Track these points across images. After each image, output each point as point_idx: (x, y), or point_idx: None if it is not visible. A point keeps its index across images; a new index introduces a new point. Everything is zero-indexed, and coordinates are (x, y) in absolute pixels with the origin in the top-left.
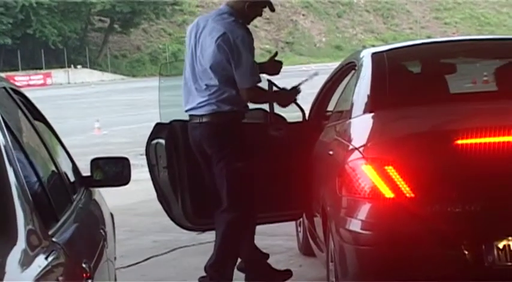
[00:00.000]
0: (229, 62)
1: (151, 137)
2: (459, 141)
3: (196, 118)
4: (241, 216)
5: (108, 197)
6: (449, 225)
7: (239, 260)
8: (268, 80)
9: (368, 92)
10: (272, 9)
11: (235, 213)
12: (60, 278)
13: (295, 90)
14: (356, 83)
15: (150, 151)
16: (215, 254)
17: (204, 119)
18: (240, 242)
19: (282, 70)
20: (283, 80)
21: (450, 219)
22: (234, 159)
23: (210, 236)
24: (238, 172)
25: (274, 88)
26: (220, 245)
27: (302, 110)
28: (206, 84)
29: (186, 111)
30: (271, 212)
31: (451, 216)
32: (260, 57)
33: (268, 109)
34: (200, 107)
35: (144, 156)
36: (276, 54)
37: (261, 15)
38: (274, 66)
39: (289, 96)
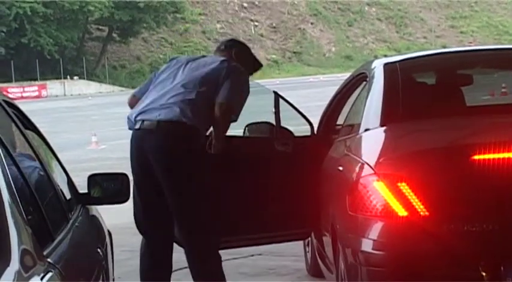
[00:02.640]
0: (219, 85)
1: None
2: (476, 157)
3: (150, 124)
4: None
5: (106, 215)
6: (466, 244)
7: None
8: (275, 92)
9: (380, 105)
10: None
11: (210, 235)
12: None
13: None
14: (367, 95)
15: None
16: None
17: (163, 125)
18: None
19: (290, 81)
20: (292, 92)
21: (467, 239)
22: (203, 179)
23: None
24: (207, 193)
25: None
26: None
27: (310, 124)
28: (184, 89)
29: (138, 114)
30: (278, 231)
31: (468, 235)
32: (266, 67)
33: (274, 122)
34: (163, 108)
35: None
36: None
37: (251, 74)
38: None
39: (222, 145)
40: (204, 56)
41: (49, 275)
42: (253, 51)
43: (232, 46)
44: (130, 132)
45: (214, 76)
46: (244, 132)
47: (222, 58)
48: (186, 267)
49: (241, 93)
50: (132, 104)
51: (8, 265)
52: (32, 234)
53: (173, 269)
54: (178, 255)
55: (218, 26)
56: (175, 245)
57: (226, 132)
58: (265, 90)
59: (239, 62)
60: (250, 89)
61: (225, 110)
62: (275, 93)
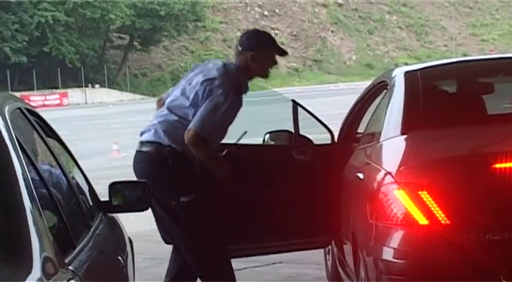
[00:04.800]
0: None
1: None
2: (497, 165)
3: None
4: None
5: (127, 223)
6: (487, 253)
7: None
8: (293, 101)
9: (401, 113)
10: (283, 54)
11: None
12: None
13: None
14: (388, 103)
15: None
16: None
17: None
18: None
19: (310, 89)
20: (312, 100)
21: (488, 248)
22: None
23: (236, 264)
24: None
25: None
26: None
27: (330, 132)
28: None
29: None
30: (298, 239)
31: (489, 244)
32: (287, 76)
33: (293, 130)
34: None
35: None
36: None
37: (275, 63)
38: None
39: (226, 167)
40: (205, 65)
41: None
42: None
43: (249, 49)
44: None
45: (196, 100)
46: (264, 141)
47: (211, 77)
48: None
49: (210, 110)
50: None
51: (30, 272)
52: (54, 241)
53: None
54: None
55: (239, 34)
56: None
57: (208, 157)
58: (284, 99)
59: (257, 64)
60: (269, 98)
61: (193, 135)
62: (293, 101)
